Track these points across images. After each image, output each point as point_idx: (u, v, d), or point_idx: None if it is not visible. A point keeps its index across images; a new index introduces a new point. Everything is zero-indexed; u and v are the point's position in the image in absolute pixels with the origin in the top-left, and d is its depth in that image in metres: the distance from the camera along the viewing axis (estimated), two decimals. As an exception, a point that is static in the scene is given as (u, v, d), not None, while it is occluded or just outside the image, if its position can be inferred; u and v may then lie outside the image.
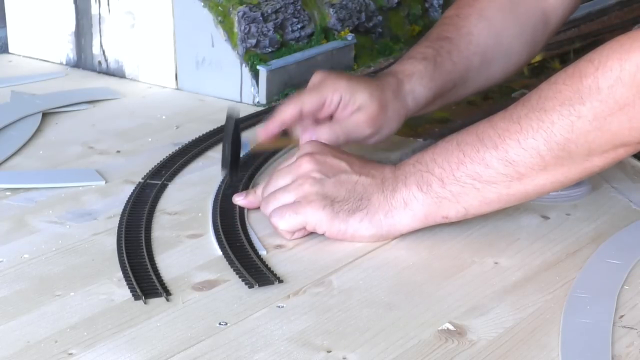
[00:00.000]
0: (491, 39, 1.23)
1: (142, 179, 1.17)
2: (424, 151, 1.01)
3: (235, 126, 1.14)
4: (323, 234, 1.02)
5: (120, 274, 0.95)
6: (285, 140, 1.18)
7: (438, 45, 1.21)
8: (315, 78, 1.17)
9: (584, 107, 0.92)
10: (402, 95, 1.18)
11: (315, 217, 1.00)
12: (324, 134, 1.14)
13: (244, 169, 1.19)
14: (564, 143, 0.93)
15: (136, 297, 0.91)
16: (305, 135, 1.14)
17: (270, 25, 1.47)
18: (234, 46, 1.44)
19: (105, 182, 1.17)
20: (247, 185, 1.15)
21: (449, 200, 0.99)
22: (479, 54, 1.23)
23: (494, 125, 0.97)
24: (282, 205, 1.02)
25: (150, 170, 1.19)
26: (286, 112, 1.14)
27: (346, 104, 1.14)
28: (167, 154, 1.24)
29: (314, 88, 1.16)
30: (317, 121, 1.15)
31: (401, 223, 1.01)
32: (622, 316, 0.89)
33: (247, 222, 1.06)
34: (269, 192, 1.05)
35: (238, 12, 1.44)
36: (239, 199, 1.09)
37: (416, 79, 1.18)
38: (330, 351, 0.83)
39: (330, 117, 1.15)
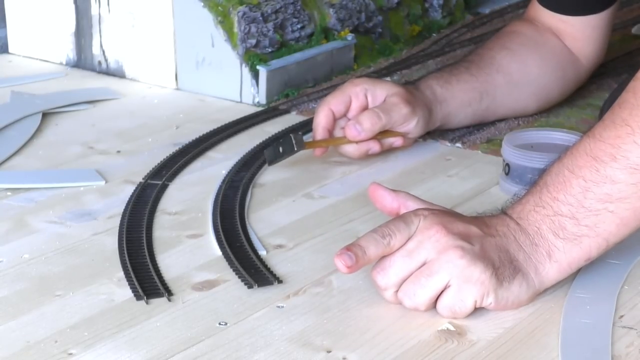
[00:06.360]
0: (515, 63, 1.30)
1: (143, 179, 1.17)
2: (533, 193, 0.92)
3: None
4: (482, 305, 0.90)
5: (120, 274, 0.95)
6: (337, 139, 1.21)
7: (456, 64, 1.31)
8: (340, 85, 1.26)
9: None
10: (420, 90, 1.25)
11: (483, 289, 0.88)
12: (366, 118, 1.19)
13: (244, 169, 1.19)
14: None
15: (138, 297, 0.91)
16: (349, 125, 1.19)
17: (270, 25, 1.47)
18: (234, 46, 1.44)
19: (105, 182, 1.17)
20: (247, 185, 1.15)
21: (587, 236, 0.90)
22: (503, 73, 1.29)
23: (599, 137, 0.89)
24: (443, 294, 0.89)
25: (150, 171, 1.19)
26: (320, 118, 1.21)
27: (374, 95, 1.21)
28: (167, 154, 1.24)
29: (336, 90, 1.23)
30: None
31: (548, 278, 0.91)
32: (622, 316, 0.89)
33: (247, 222, 1.06)
34: (401, 278, 0.89)
35: (238, 12, 1.44)
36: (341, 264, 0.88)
37: (430, 79, 1.27)
38: (330, 351, 0.83)
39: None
